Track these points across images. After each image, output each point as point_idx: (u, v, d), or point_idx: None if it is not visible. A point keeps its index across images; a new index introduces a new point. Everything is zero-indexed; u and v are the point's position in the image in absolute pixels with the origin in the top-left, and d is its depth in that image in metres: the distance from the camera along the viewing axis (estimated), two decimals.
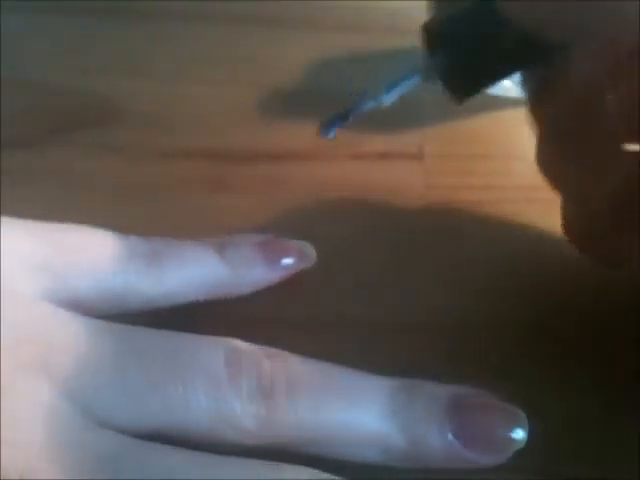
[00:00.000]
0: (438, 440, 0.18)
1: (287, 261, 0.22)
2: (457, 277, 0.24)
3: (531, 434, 0.18)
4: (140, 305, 0.21)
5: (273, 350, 0.19)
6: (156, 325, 0.21)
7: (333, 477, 0.17)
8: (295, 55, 0.34)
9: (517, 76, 0.21)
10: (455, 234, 0.25)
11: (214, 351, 0.18)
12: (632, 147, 0.19)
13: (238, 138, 0.29)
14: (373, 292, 0.23)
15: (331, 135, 0.21)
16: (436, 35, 0.18)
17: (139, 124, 0.30)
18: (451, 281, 0.24)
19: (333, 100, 0.32)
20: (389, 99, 0.20)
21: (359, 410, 0.18)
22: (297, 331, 0.22)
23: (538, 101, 0.21)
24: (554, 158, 0.20)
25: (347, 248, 0.23)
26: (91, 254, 0.20)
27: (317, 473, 0.17)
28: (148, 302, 0.21)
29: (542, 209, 0.25)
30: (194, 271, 0.21)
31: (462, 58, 0.18)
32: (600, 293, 0.23)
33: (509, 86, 0.29)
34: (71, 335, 0.18)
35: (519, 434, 0.18)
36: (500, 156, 0.28)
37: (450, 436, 0.18)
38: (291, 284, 0.23)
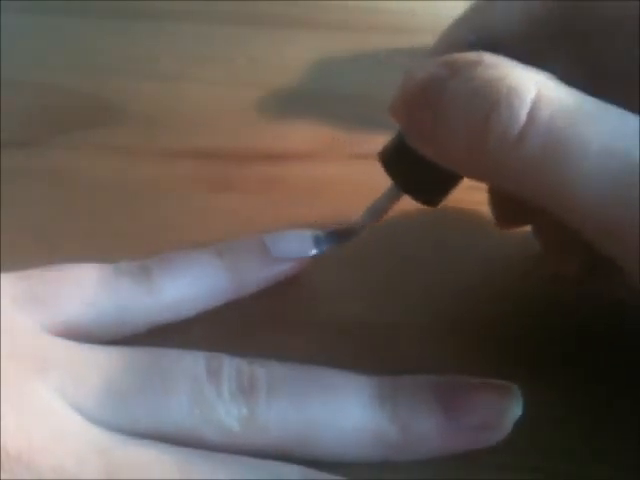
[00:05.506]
0: (430, 422, 0.18)
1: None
2: (458, 277, 0.24)
3: (534, 434, 0.18)
4: (141, 323, 0.21)
5: (255, 359, 0.19)
6: (155, 329, 0.21)
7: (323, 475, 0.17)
8: (295, 55, 0.34)
9: None
10: (455, 233, 0.25)
11: (195, 358, 0.18)
12: None
13: (238, 138, 0.29)
14: (372, 293, 0.23)
15: (318, 251, 0.22)
16: (389, 161, 0.20)
17: (139, 124, 0.30)
18: (452, 281, 0.24)
19: (333, 100, 0.32)
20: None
21: (344, 403, 0.18)
22: (296, 332, 0.22)
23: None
24: None
25: (347, 248, 0.23)
26: (77, 281, 0.20)
27: (304, 469, 0.17)
28: (149, 318, 0.21)
29: None
30: (189, 277, 0.21)
31: (416, 174, 0.19)
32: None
33: None
34: (65, 352, 0.18)
35: (513, 406, 0.18)
36: None
37: (441, 416, 0.18)
38: (290, 285, 0.23)
